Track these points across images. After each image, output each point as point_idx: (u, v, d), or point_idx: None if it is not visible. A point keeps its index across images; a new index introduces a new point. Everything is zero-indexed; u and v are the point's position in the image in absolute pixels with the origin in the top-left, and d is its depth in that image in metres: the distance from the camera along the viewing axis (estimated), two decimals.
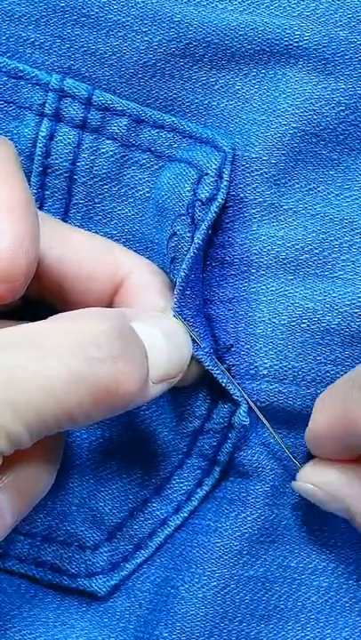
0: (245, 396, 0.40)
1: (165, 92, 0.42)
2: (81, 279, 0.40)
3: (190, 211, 0.40)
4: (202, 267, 0.41)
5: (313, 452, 0.40)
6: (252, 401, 0.41)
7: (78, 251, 0.40)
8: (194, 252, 0.39)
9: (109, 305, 0.40)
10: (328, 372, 0.40)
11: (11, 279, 0.35)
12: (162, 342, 0.37)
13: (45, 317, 0.40)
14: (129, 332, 0.35)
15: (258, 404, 0.41)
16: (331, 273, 0.40)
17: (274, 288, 0.41)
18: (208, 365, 0.40)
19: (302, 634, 0.41)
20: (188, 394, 0.41)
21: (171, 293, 0.41)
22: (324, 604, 0.41)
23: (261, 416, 0.41)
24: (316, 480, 0.39)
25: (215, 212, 0.40)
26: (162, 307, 0.40)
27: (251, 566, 0.41)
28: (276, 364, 0.41)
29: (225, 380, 0.40)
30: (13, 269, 0.35)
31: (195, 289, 0.40)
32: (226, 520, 0.41)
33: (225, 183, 0.40)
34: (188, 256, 0.39)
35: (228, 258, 0.41)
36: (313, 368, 0.40)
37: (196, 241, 0.39)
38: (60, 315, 0.36)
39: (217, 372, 0.40)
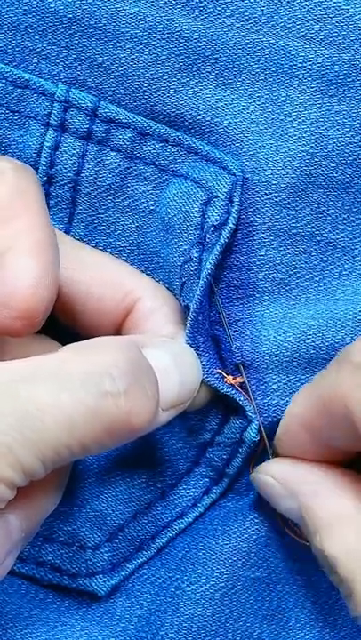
0: (256, 412, 0.42)
1: (170, 107, 0.42)
2: (91, 301, 0.41)
3: (202, 235, 0.41)
4: (210, 290, 0.42)
5: (282, 450, 0.41)
6: (263, 417, 0.42)
7: (90, 273, 0.41)
8: (206, 279, 0.40)
9: (119, 327, 0.41)
10: None
11: (30, 316, 0.36)
12: (173, 369, 0.38)
13: (55, 330, 0.41)
14: (141, 364, 0.36)
15: (269, 419, 0.42)
16: (332, 296, 0.42)
17: (278, 312, 0.42)
18: (222, 389, 0.41)
19: (302, 633, 0.43)
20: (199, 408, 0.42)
21: (180, 318, 0.41)
22: (324, 604, 0.43)
23: (265, 437, 0.42)
24: (276, 472, 0.40)
25: (227, 238, 0.41)
26: (171, 332, 0.41)
27: (258, 568, 0.43)
28: (284, 378, 0.42)
29: (242, 398, 0.41)
30: (34, 306, 0.36)
31: (205, 313, 0.41)
32: (234, 523, 0.43)
33: (236, 207, 0.41)
34: (201, 282, 0.40)
35: (235, 281, 0.42)
36: None
37: (208, 266, 0.40)
38: (73, 345, 0.36)
39: (232, 391, 0.41)
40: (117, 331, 0.41)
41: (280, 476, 0.40)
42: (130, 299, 0.41)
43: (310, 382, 0.39)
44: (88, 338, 0.41)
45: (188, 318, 0.40)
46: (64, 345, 0.41)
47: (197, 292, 0.40)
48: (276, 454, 0.41)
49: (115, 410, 0.34)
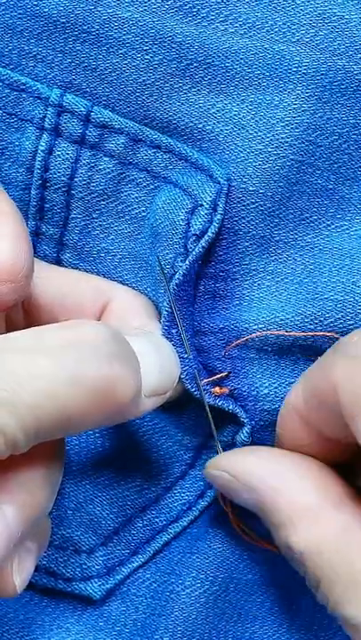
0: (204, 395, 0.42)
1: (162, 114, 0.42)
2: (67, 310, 0.41)
3: (185, 244, 0.41)
4: (193, 300, 0.42)
5: (281, 442, 0.40)
6: (255, 421, 0.42)
7: (60, 284, 0.41)
8: (174, 289, 0.40)
9: None
10: None
11: (15, 278, 0.36)
12: (152, 355, 0.38)
13: None
14: (123, 339, 0.36)
15: (261, 422, 0.42)
16: (321, 295, 0.41)
17: (265, 316, 0.42)
18: (209, 402, 0.41)
19: (297, 636, 0.43)
20: (192, 412, 0.43)
21: (152, 314, 0.42)
22: (317, 606, 0.43)
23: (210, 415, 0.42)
24: (229, 466, 0.38)
25: (203, 247, 0.41)
26: (143, 321, 0.41)
27: (250, 570, 0.43)
28: (274, 383, 0.42)
29: (231, 407, 0.42)
30: (17, 267, 0.36)
31: (183, 323, 0.41)
32: (227, 526, 0.43)
33: (219, 216, 0.41)
34: (170, 292, 0.40)
35: (221, 292, 0.42)
36: None
37: (177, 277, 0.40)
38: (55, 323, 0.36)
39: (219, 402, 0.41)
40: None
41: (234, 470, 0.38)
42: (103, 297, 0.42)
43: (306, 371, 0.39)
44: None
45: (162, 329, 0.41)
46: None
47: (165, 304, 0.41)
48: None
49: (98, 377, 0.33)
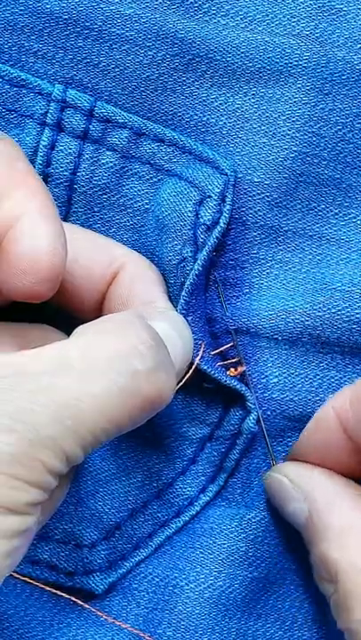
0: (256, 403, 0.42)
1: (166, 107, 0.43)
2: (79, 271, 0.41)
3: (195, 234, 0.41)
4: (205, 288, 0.43)
5: (304, 444, 0.41)
6: (263, 410, 0.42)
7: (76, 244, 0.40)
8: (194, 278, 0.41)
9: (104, 294, 0.41)
10: (332, 377, 0.42)
11: (54, 277, 0.36)
12: (177, 339, 0.38)
13: (37, 315, 0.41)
14: (159, 338, 0.36)
15: (268, 412, 0.43)
16: (329, 285, 0.42)
17: (275, 304, 0.42)
18: (225, 380, 0.41)
19: (299, 633, 0.43)
20: (199, 402, 0.43)
21: (164, 287, 0.42)
22: (322, 604, 0.43)
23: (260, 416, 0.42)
24: (291, 473, 0.40)
25: (217, 238, 0.41)
26: (155, 294, 0.41)
27: (255, 567, 0.43)
28: (284, 372, 0.42)
29: (243, 389, 0.42)
30: (57, 268, 0.36)
31: (197, 313, 0.41)
32: (231, 522, 0.43)
33: (228, 207, 0.41)
34: (188, 283, 0.41)
35: (231, 280, 0.43)
36: (318, 374, 0.42)
37: (196, 267, 0.41)
38: (89, 329, 0.36)
39: (233, 382, 0.42)
40: (102, 298, 0.41)
41: (295, 478, 0.40)
42: (117, 263, 0.41)
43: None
44: (73, 310, 0.41)
45: (178, 308, 0.41)
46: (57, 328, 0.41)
47: (183, 293, 0.41)
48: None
49: (147, 386, 0.34)
